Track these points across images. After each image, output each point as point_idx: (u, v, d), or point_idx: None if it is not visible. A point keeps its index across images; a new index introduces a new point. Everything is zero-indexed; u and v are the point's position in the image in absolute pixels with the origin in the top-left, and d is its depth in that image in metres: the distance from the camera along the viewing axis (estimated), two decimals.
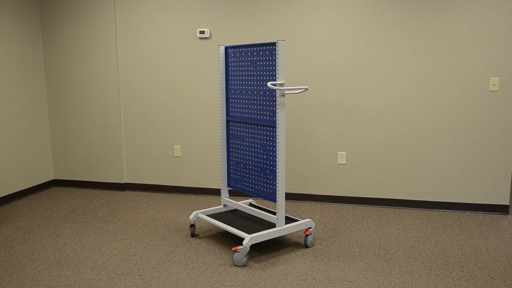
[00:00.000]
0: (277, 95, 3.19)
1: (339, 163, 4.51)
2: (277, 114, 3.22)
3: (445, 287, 2.85)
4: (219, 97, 3.71)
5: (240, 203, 3.85)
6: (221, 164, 3.80)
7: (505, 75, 4.02)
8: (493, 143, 4.13)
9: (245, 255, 3.18)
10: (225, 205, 3.89)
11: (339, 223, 4.01)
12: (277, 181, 3.30)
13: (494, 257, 3.28)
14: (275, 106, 3.25)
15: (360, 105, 4.36)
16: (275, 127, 3.28)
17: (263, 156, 3.41)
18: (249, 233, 3.26)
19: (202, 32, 4.61)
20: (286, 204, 4.45)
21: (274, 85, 3.14)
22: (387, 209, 4.39)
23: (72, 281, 2.98)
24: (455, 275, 3.00)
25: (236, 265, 3.18)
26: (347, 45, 4.31)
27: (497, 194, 4.19)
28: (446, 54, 4.11)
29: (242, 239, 3.29)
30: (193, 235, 3.72)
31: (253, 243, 3.19)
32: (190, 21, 4.67)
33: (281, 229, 3.35)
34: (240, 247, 3.16)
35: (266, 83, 3.30)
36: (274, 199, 3.38)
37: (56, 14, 5.04)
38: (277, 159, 3.27)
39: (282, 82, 3.17)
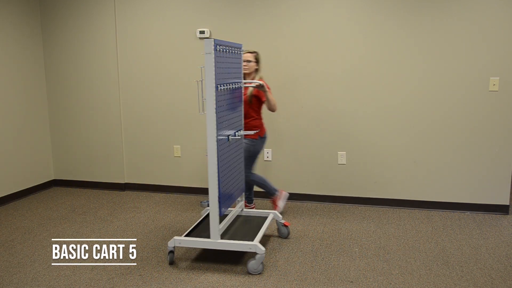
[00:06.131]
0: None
1: (339, 163, 4.50)
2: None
3: (445, 287, 2.85)
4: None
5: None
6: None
7: (505, 75, 4.01)
8: (493, 143, 4.13)
9: (261, 263, 3.06)
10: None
11: (339, 223, 4.01)
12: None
13: (494, 257, 3.28)
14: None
15: (360, 105, 4.36)
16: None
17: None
18: (252, 240, 3.10)
19: (202, 32, 4.61)
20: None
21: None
22: (387, 209, 4.39)
23: (72, 281, 2.98)
24: (455, 275, 3.00)
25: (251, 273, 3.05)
26: (347, 45, 4.31)
27: (497, 194, 4.19)
28: (446, 54, 4.11)
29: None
30: (171, 262, 3.21)
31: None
32: (190, 21, 4.67)
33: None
34: (257, 255, 3.03)
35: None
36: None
37: (56, 14, 5.03)
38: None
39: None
